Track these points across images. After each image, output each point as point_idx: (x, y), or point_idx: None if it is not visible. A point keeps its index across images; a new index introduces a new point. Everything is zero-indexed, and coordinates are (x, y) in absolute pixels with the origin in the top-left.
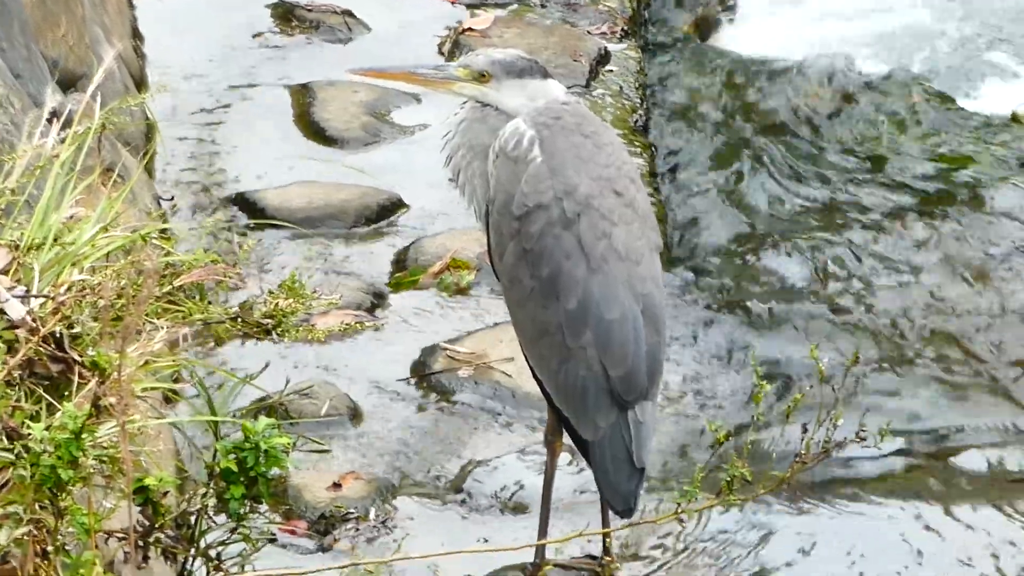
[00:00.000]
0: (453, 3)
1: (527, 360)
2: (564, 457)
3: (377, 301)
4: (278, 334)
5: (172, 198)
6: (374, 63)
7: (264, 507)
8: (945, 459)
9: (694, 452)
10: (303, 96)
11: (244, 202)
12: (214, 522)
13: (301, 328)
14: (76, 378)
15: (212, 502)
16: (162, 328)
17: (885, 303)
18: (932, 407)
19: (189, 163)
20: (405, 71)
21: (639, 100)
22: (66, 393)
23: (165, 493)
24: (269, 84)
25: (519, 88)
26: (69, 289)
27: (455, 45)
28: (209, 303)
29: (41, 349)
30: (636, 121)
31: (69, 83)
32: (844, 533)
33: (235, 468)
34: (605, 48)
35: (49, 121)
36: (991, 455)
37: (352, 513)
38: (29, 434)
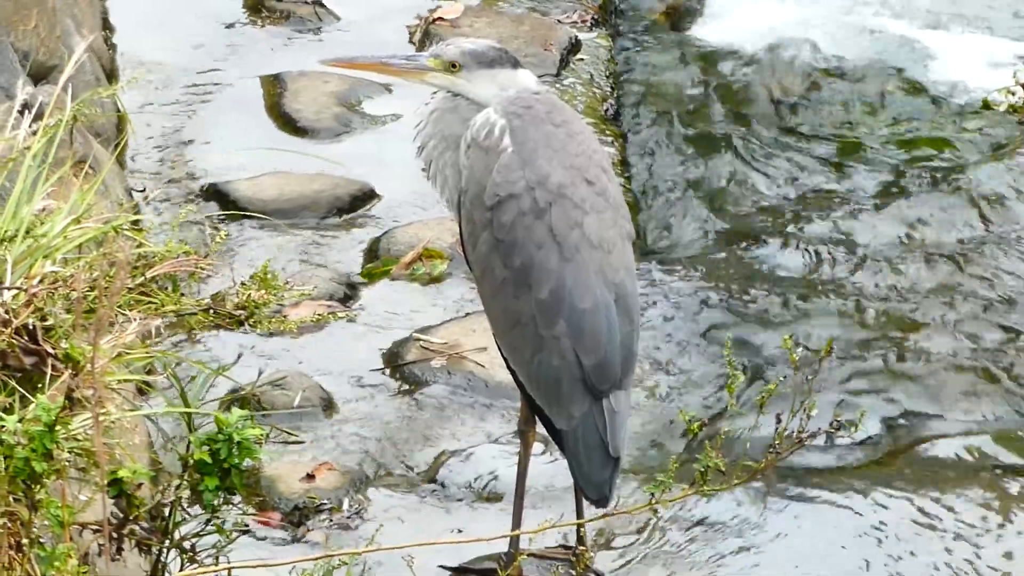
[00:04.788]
0: None
1: (500, 350)
2: (538, 447)
3: (349, 292)
4: (251, 325)
5: (144, 189)
6: (345, 53)
7: (238, 498)
8: (921, 447)
9: (668, 441)
10: (274, 87)
11: (216, 193)
12: (188, 514)
13: (274, 319)
14: (49, 370)
15: (186, 494)
16: (135, 320)
17: (860, 290)
18: (908, 395)
19: (161, 154)
20: (377, 62)
21: (610, 89)
22: (39, 385)
23: (139, 485)
24: (240, 75)
25: (490, 78)
26: (42, 281)
27: (425, 35)
28: (182, 294)
29: (14, 341)
30: (607, 110)
31: (40, 75)
32: (819, 521)
33: (209, 460)
34: (576, 37)
35: (20, 113)
36: (968, 443)
37: (326, 504)
38: (2, 426)
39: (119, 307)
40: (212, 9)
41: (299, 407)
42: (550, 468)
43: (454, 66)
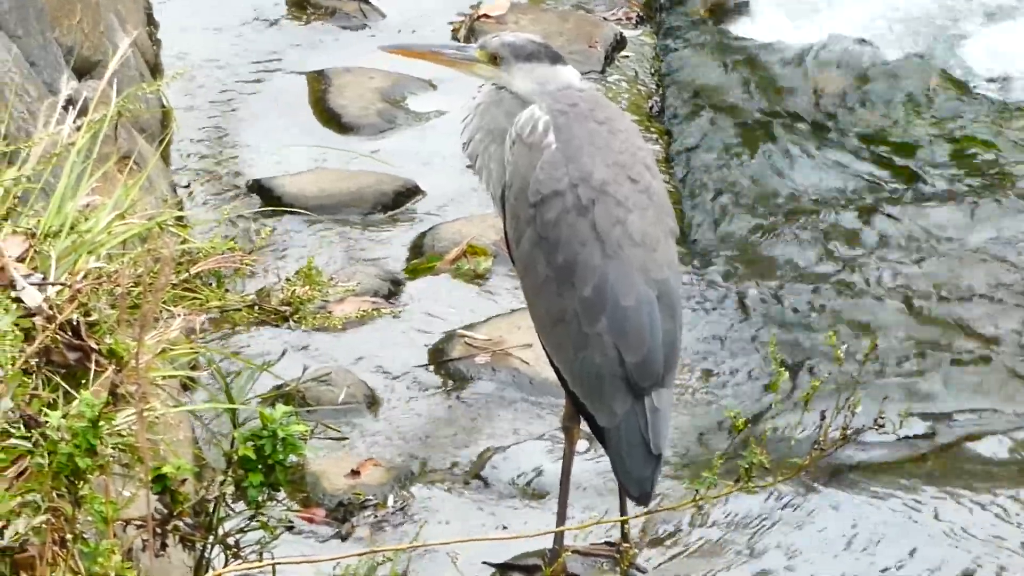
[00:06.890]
0: None
1: (543, 346)
2: (582, 444)
3: (394, 288)
4: (295, 321)
5: (188, 185)
6: None
7: (282, 495)
8: (964, 445)
9: (712, 438)
10: (318, 83)
11: (260, 189)
12: (232, 510)
13: (318, 315)
14: (93, 366)
15: (230, 490)
16: (179, 316)
17: (904, 289)
18: (952, 393)
19: (205, 150)
20: (431, 50)
21: (655, 86)
22: (83, 381)
23: (183, 481)
24: (285, 71)
25: (527, 72)
26: (86, 277)
27: (470, 31)
28: (226, 290)
29: (58, 337)
30: (651, 107)
31: (84, 70)
32: (864, 518)
33: (253, 456)
34: (621, 34)
35: (65, 109)
36: (1013, 441)
37: (370, 500)
38: (46, 422)
39: (163, 303)
40: (256, 5)
41: (344, 403)
42: (594, 465)
43: (496, 58)
